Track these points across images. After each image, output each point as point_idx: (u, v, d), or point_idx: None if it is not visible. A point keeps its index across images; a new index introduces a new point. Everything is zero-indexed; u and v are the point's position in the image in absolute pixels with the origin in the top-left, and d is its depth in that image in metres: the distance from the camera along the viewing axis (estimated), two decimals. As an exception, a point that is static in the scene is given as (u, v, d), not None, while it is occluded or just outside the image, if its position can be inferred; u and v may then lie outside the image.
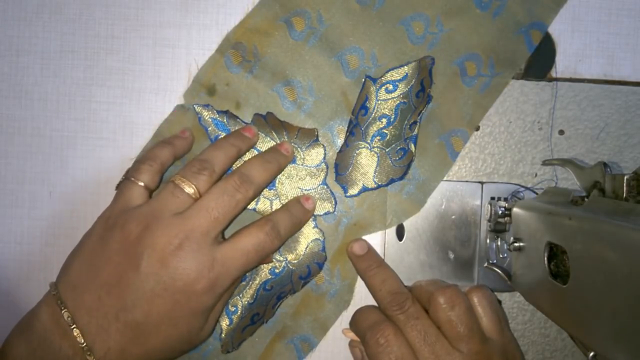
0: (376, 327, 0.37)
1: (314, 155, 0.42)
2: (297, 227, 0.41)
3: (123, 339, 0.35)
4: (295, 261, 0.42)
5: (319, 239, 0.43)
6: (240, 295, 0.42)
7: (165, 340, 0.36)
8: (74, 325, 0.34)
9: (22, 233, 0.43)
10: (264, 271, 0.42)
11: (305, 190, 0.43)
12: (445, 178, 0.43)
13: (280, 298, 0.42)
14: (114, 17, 0.43)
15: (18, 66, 0.43)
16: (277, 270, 0.42)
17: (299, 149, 0.42)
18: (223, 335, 0.42)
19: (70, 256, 0.37)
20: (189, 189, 0.37)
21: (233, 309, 0.42)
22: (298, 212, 0.41)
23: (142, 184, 0.38)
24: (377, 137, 0.42)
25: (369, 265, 0.41)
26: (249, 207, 0.42)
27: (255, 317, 0.42)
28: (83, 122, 0.43)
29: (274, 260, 0.42)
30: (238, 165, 0.41)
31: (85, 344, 0.34)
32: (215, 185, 0.37)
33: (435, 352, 0.36)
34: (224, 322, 0.42)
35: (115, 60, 0.43)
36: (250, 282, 0.42)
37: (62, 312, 0.35)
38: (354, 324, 0.40)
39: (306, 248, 0.42)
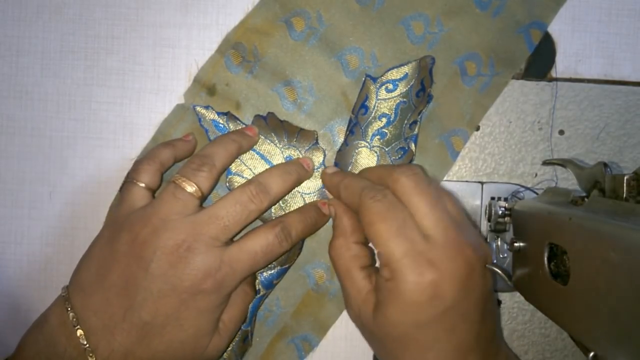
0: (374, 189, 0.36)
1: (314, 159, 0.42)
2: (311, 230, 0.41)
3: (128, 340, 0.35)
4: (281, 265, 0.42)
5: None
6: None
7: (170, 344, 0.35)
8: (78, 326, 0.35)
9: (22, 233, 0.44)
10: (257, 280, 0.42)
11: (305, 194, 0.42)
12: (445, 178, 0.43)
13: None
14: (114, 17, 0.43)
15: (18, 66, 0.43)
16: (272, 272, 0.42)
17: (298, 151, 0.42)
18: (229, 349, 0.42)
19: (80, 260, 0.38)
20: (190, 188, 0.36)
21: None
22: (313, 216, 0.40)
23: (142, 184, 0.38)
24: (377, 137, 0.42)
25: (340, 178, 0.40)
26: None
27: (248, 325, 0.42)
28: (83, 122, 0.43)
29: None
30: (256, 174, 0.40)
31: (88, 345, 0.34)
32: (230, 193, 0.37)
33: (438, 206, 0.35)
34: None
35: (115, 61, 0.43)
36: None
37: (68, 313, 0.35)
38: (346, 188, 0.38)
39: (290, 250, 0.42)
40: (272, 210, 0.42)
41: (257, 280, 0.41)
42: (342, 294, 0.39)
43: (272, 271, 0.41)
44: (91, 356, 0.34)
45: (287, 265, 0.42)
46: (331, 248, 0.38)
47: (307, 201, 0.42)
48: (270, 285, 0.42)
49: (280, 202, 0.42)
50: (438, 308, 0.33)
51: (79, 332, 0.34)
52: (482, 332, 0.35)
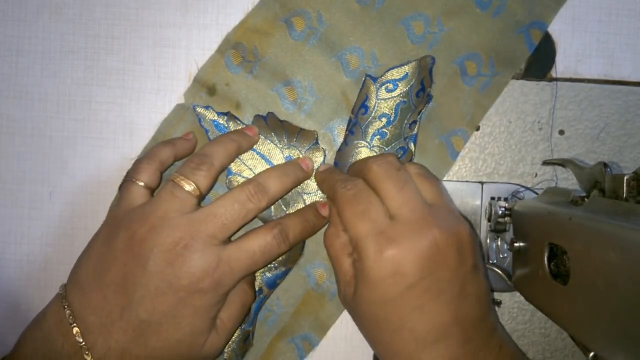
0: (347, 180, 0.37)
1: (314, 159, 0.42)
2: (309, 232, 0.41)
3: (124, 338, 0.35)
4: (284, 267, 0.42)
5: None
6: None
7: (166, 342, 0.36)
8: (74, 324, 0.35)
9: (22, 233, 0.44)
10: (257, 280, 0.42)
11: (306, 193, 0.43)
12: (445, 178, 0.43)
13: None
14: (114, 17, 0.43)
15: (18, 66, 0.43)
16: (277, 272, 0.42)
17: (298, 151, 0.42)
18: (229, 349, 0.42)
19: (78, 258, 0.38)
20: (188, 187, 0.37)
21: None
22: (312, 217, 0.41)
23: (141, 183, 0.38)
24: (377, 136, 0.42)
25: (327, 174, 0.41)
26: None
27: (249, 325, 0.42)
28: (83, 122, 0.43)
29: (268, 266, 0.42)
30: (254, 175, 0.40)
31: (84, 343, 0.34)
32: (228, 192, 0.38)
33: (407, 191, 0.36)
34: None
35: (115, 60, 0.43)
36: None
37: (65, 310, 0.35)
38: (324, 181, 0.40)
39: (292, 251, 0.42)
40: (272, 210, 0.42)
41: (260, 281, 0.42)
42: (335, 280, 0.39)
43: (277, 271, 0.42)
44: (87, 354, 0.34)
45: (289, 266, 0.42)
46: (324, 237, 0.39)
47: (308, 201, 0.42)
48: (273, 284, 0.42)
49: (281, 202, 0.42)
50: (401, 284, 0.34)
51: (75, 329, 0.35)
52: (460, 315, 0.35)
